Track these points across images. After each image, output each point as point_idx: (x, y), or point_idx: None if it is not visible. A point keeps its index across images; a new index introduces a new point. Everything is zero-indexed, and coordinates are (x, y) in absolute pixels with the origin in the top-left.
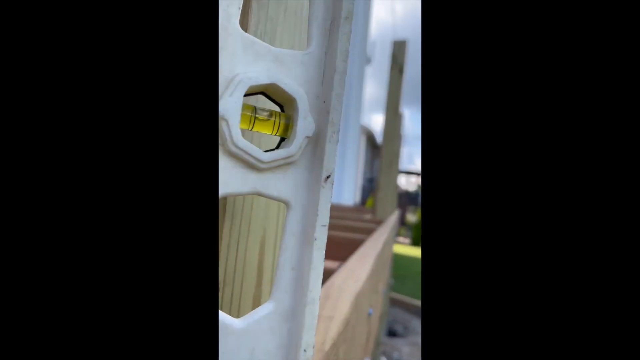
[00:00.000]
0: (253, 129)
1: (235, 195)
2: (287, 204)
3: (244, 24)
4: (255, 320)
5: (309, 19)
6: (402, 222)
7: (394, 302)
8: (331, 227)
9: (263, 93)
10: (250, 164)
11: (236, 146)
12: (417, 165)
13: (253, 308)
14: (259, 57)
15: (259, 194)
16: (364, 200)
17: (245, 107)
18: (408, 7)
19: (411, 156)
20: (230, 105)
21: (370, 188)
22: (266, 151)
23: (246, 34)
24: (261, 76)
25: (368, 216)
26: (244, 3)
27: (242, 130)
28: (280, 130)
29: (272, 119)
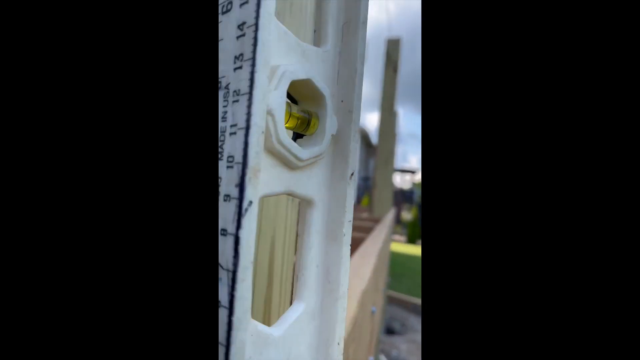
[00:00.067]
0: (286, 126)
1: (270, 196)
2: (310, 202)
3: None
4: (290, 325)
5: (322, 17)
6: (398, 220)
7: (391, 300)
8: None
9: None
10: (287, 162)
11: (281, 144)
12: (412, 164)
13: (264, 310)
14: (290, 50)
15: (290, 194)
16: (359, 199)
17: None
18: (401, 5)
19: (405, 154)
20: (276, 99)
21: (365, 187)
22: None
23: (280, 23)
24: (300, 71)
25: (365, 214)
26: None
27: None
28: (301, 125)
29: (302, 115)
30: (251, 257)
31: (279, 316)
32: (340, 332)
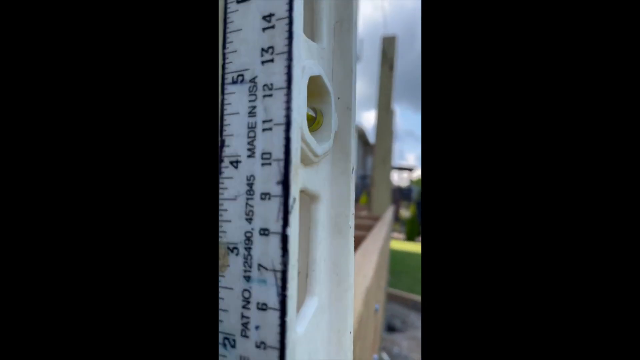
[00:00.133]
0: None
1: None
2: (317, 197)
3: None
4: (310, 321)
5: (314, 16)
6: (396, 217)
7: (391, 298)
8: None
9: None
10: (305, 159)
11: (304, 140)
12: (409, 161)
13: None
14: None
15: (303, 190)
16: (357, 198)
17: None
18: (396, 3)
19: (403, 152)
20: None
21: (363, 185)
22: None
23: None
24: (315, 67)
25: (364, 213)
26: None
27: None
28: (310, 124)
29: (312, 114)
30: (297, 255)
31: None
32: (351, 321)
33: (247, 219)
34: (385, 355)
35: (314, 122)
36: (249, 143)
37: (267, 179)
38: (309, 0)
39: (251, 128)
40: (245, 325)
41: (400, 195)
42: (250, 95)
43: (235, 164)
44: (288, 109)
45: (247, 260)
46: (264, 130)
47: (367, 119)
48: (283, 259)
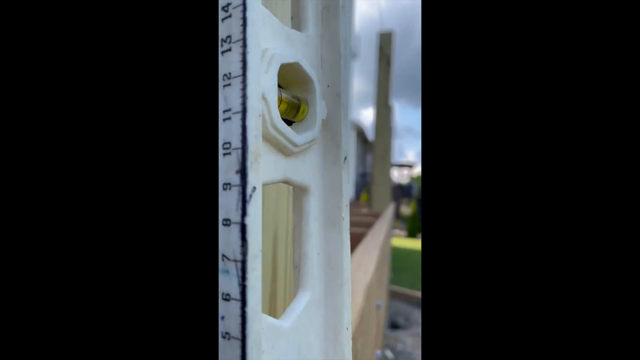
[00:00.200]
0: None
1: (268, 184)
2: (306, 189)
3: None
4: (299, 316)
5: (300, 3)
6: (397, 214)
7: (394, 295)
8: None
9: None
10: (282, 149)
11: (276, 128)
12: (409, 158)
13: (270, 305)
14: (276, 33)
15: (287, 182)
16: (357, 196)
17: None
18: None
19: (402, 149)
20: (268, 83)
21: (363, 183)
22: None
23: (262, 6)
24: (289, 54)
25: (365, 210)
26: None
27: None
28: (290, 112)
29: (291, 100)
30: (259, 245)
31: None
32: (347, 317)
33: None
34: (389, 353)
35: (297, 112)
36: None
37: (228, 169)
38: None
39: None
40: None
41: (400, 192)
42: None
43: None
44: (244, 96)
45: None
46: (224, 120)
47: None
48: (242, 248)
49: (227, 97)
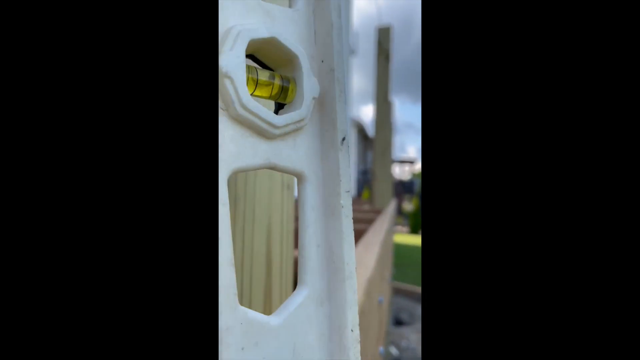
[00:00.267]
0: (254, 94)
1: (246, 171)
2: (300, 175)
3: None
4: (292, 312)
5: None
6: (399, 211)
7: (397, 291)
8: None
9: (251, 56)
10: (260, 131)
11: (246, 108)
12: (410, 154)
13: (264, 300)
14: (250, 10)
15: (273, 167)
16: (359, 193)
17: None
18: None
19: (403, 145)
20: (232, 60)
21: (364, 180)
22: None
23: None
24: (260, 29)
25: (367, 206)
26: None
27: None
28: (280, 94)
29: (274, 81)
30: (228, 242)
31: None
32: (352, 317)
33: None
34: (393, 349)
35: (287, 93)
36: None
37: None
38: None
39: None
40: None
41: (402, 188)
42: None
43: None
44: None
45: None
46: None
47: (366, 113)
48: None
49: None
